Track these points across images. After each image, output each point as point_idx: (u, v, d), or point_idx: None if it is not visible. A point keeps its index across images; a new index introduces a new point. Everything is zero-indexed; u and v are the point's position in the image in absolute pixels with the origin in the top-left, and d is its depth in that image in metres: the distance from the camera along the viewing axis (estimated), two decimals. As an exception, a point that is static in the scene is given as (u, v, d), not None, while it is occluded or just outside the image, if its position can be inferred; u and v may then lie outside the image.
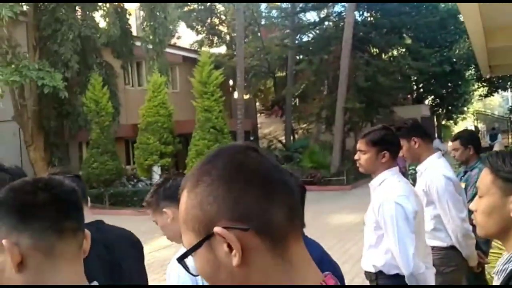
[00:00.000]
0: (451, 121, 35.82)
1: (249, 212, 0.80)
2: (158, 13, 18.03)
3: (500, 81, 29.90)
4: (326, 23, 25.80)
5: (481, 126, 37.29)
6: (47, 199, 1.11)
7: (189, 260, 0.85)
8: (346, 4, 21.74)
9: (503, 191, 1.52)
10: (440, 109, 32.76)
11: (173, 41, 26.84)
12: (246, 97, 27.25)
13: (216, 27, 30.42)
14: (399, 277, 2.74)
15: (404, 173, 10.58)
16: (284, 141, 26.47)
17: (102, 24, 18.42)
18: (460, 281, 3.51)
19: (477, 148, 4.35)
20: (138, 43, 18.78)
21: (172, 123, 17.02)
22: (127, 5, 19.34)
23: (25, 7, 16.26)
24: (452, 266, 3.38)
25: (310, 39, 26.70)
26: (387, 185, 2.85)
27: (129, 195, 15.05)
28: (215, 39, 30.63)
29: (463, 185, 3.94)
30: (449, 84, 29.90)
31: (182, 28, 30.70)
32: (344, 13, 23.25)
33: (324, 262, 1.99)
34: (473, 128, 30.71)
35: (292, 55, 25.94)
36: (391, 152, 2.89)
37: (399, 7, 24.31)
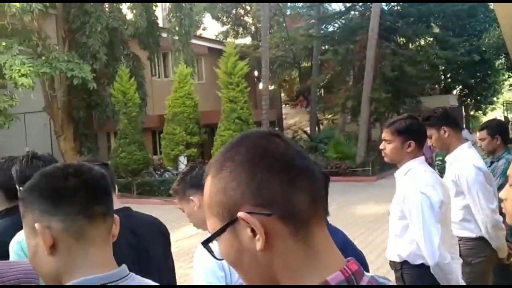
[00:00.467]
0: (480, 112, 35.11)
1: (272, 198, 0.81)
2: (184, 5, 18.11)
3: (532, 70, 29.24)
4: (352, 12, 25.43)
5: (511, 116, 36.43)
6: (77, 184, 1.14)
7: (214, 245, 0.87)
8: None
9: None
10: (469, 99, 32.13)
11: (198, 32, 26.98)
12: (271, 87, 27.22)
13: (241, 18, 30.41)
14: (424, 267, 2.71)
15: (431, 164, 10.43)
16: (309, 131, 26.30)
17: (129, 16, 18.61)
18: (489, 272, 3.47)
19: (504, 139, 4.25)
20: (164, 35, 18.88)
21: (198, 114, 17.14)
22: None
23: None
24: (481, 257, 3.34)
25: (335, 28, 26.42)
26: (412, 174, 2.82)
27: (156, 185, 15.21)
28: (240, 30, 30.64)
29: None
30: (478, 74, 29.28)
31: (207, 19, 30.82)
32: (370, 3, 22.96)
33: (348, 249, 2.00)
34: (502, 119, 30.04)
35: (317, 45, 25.67)
36: (417, 142, 2.85)
37: (427, -5, 23.88)
